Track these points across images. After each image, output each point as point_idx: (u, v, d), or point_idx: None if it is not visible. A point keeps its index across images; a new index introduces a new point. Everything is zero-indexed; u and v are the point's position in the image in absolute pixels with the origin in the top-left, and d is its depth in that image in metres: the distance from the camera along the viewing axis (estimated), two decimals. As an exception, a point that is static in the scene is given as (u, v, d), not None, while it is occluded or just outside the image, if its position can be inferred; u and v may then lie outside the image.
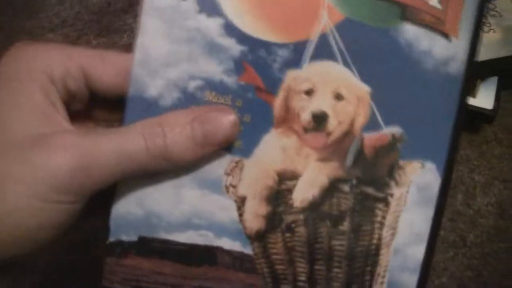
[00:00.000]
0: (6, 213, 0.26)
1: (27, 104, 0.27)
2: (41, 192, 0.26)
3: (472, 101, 0.48)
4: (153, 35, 0.29)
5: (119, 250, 0.31)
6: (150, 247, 0.31)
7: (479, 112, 0.48)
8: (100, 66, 0.29)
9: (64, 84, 0.29)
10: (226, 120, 0.28)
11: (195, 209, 0.31)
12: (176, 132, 0.28)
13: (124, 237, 0.31)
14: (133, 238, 0.31)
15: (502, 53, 0.48)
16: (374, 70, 0.30)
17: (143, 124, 0.28)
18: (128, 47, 0.52)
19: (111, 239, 0.31)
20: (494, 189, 0.50)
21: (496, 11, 0.51)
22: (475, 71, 0.32)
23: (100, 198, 0.30)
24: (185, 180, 0.30)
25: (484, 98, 0.48)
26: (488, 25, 0.50)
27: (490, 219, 0.48)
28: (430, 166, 0.31)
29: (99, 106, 0.32)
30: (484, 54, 0.48)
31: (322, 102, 0.30)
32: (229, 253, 0.31)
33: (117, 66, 0.30)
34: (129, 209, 0.30)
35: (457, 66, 0.31)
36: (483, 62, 0.47)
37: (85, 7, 0.54)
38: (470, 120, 0.51)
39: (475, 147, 0.51)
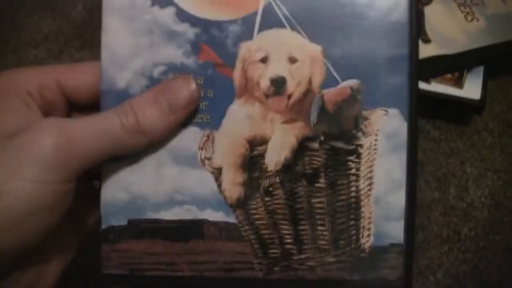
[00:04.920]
0: None
1: (9, 111, 0.28)
2: (27, 173, 0.25)
3: (459, 92, 0.44)
4: (115, 33, 0.30)
5: (112, 236, 0.30)
6: (141, 229, 0.30)
7: (467, 103, 0.44)
8: (72, 75, 0.31)
9: (41, 96, 0.30)
10: (185, 85, 0.29)
11: (176, 186, 0.30)
12: (144, 107, 0.28)
13: (115, 223, 0.30)
14: (123, 222, 0.30)
15: (486, 41, 0.45)
16: (322, 30, 0.30)
17: (116, 108, 0.29)
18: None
19: (103, 226, 0.30)
20: (487, 180, 0.45)
21: None
22: (420, 17, 0.30)
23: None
24: (163, 159, 0.30)
25: (471, 88, 0.44)
26: (471, 14, 0.47)
27: (484, 211, 0.44)
28: (394, 112, 0.30)
29: (80, 115, 0.32)
30: (468, 43, 0.45)
31: (277, 67, 0.30)
32: (214, 224, 0.30)
33: (88, 71, 0.31)
34: (116, 194, 0.30)
35: (400, 13, 0.30)
36: (468, 51, 0.44)
37: (67, 21, 0.52)
38: (459, 112, 0.47)
39: (465, 139, 0.47)
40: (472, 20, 0.46)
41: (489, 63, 0.45)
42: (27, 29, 0.52)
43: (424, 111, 0.47)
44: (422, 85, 0.44)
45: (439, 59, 0.44)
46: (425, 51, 0.44)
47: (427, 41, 0.44)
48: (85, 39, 0.51)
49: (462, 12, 0.46)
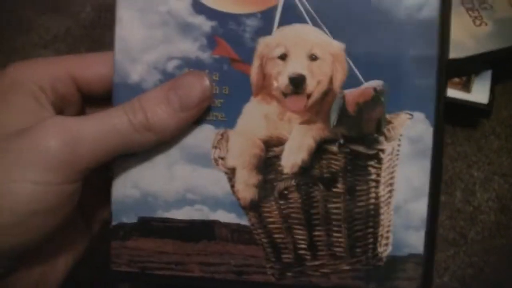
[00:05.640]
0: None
1: (18, 108, 0.27)
2: (31, 174, 0.25)
3: (467, 97, 0.44)
4: (129, 25, 0.29)
5: (122, 233, 0.30)
6: (151, 227, 0.29)
7: (474, 107, 0.44)
8: (85, 67, 0.30)
9: (54, 90, 0.29)
10: (197, 82, 0.28)
11: (188, 185, 0.29)
12: (154, 103, 0.27)
13: (125, 220, 0.29)
14: (134, 219, 0.29)
15: (494, 46, 0.44)
16: (346, 26, 0.28)
17: (125, 104, 0.27)
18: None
19: (114, 222, 0.30)
20: (494, 184, 0.45)
21: (487, 3, 0.47)
22: (450, 14, 0.28)
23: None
24: (175, 157, 0.29)
25: (478, 92, 0.44)
26: (479, 18, 0.46)
27: (490, 215, 0.43)
28: (419, 116, 0.28)
29: (94, 109, 0.31)
30: (476, 47, 0.44)
31: (297, 65, 0.28)
32: (226, 225, 0.29)
33: (101, 63, 0.30)
34: (126, 191, 0.29)
35: (431, 11, 0.28)
36: (476, 56, 0.43)
37: (76, 22, 0.51)
38: (466, 116, 0.46)
39: (473, 143, 0.46)
40: (480, 24, 0.45)
41: (497, 67, 0.45)
42: (36, 30, 0.52)
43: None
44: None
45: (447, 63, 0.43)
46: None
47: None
48: (94, 40, 0.50)
49: (470, 16, 0.46)
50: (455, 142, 0.46)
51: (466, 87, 0.44)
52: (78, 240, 0.30)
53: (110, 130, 0.26)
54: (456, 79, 0.44)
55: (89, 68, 0.30)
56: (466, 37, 0.44)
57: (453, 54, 0.41)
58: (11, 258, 0.26)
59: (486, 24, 0.45)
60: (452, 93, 0.44)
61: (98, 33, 0.51)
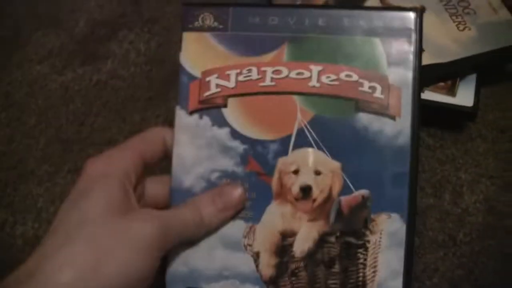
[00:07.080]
0: (116, 262, 0.31)
1: (107, 193, 0.35)
2: (136, 248, 0.32)
3: (452, 100, 0.44)
4: (183, 145, 0.39)
5: (175, 299, 0.39)
6: (196, 295, 0.39)
7: (460, 111, 0.44)
8: (150, 150, 0.39)
9: (136, 174, 0.37)
10: (235, 190, 0.38)
11: (224, 265, 0.39)
12: (205, 206, 0.38)
13: (176, 288, 0.39)
14: (183, 288, 0.39)
15: (478, 50, 0.45)
16: (341, 150, 0.38)
17: (186, 205, 0.38)
18: (113, 73, 0.50)
19: (168, 291, 0.39)
20: (481, 186, 0.45)
21: (470, 8, 0.47)
22: (419, 142, 0.38)
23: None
24: (215, 243, 0.39)
25: (463, 96, 0.44)
26: (463, 23, 0.47)
27: (478, 217, 0.44)
28: (395, 216, 0.38)
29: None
30: (460, 52, 0.45)
31: (306, 178, 0.39)
32: None
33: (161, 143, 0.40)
34: (177, 267, 0.39)
35: (404, 138, 0.38)
36: (460, 60, 0.44)
37: (70, 36, 0.53)
38: (452, 119, 0.47)
39: (459, 146, 0.47)
40: (464, 29, 0.46)
41: (481, 71, 0.45)
42: (31, 45, 0.53)
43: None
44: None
45: (432, 68, 0.43)
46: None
47: (420, 50, 0.45)
48: (88, 54, 0.51)
49: (454, 21, 0.46)
50: (443, 145, 0.46)
51: (451, 91, 0.44)
52: None
53: (183, 223, 0.36)
54: (441, 84, 0.44)
55: (153, 150, 0.39)
56: (451, 41, 0.45)
57: (438, 58, 0.44)
58: None
59: (469, 29, 0.46)
60: (438, 97, 0.44)
61: (91, 47, 0.53)
